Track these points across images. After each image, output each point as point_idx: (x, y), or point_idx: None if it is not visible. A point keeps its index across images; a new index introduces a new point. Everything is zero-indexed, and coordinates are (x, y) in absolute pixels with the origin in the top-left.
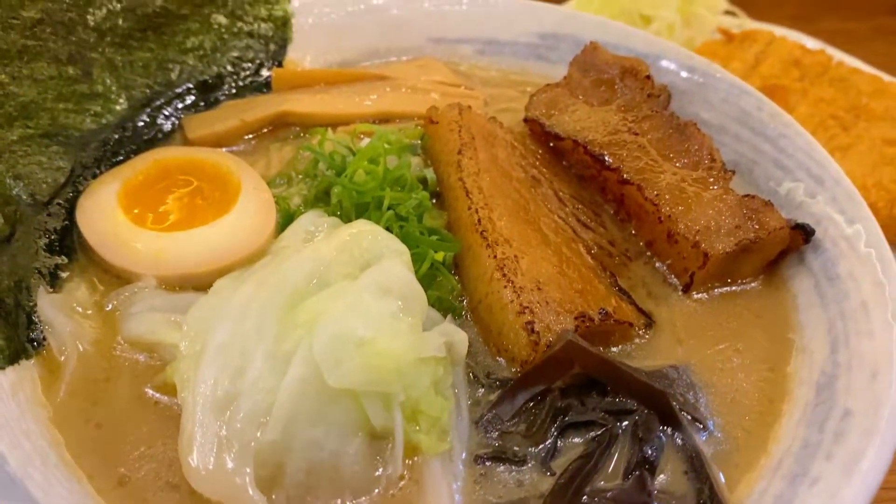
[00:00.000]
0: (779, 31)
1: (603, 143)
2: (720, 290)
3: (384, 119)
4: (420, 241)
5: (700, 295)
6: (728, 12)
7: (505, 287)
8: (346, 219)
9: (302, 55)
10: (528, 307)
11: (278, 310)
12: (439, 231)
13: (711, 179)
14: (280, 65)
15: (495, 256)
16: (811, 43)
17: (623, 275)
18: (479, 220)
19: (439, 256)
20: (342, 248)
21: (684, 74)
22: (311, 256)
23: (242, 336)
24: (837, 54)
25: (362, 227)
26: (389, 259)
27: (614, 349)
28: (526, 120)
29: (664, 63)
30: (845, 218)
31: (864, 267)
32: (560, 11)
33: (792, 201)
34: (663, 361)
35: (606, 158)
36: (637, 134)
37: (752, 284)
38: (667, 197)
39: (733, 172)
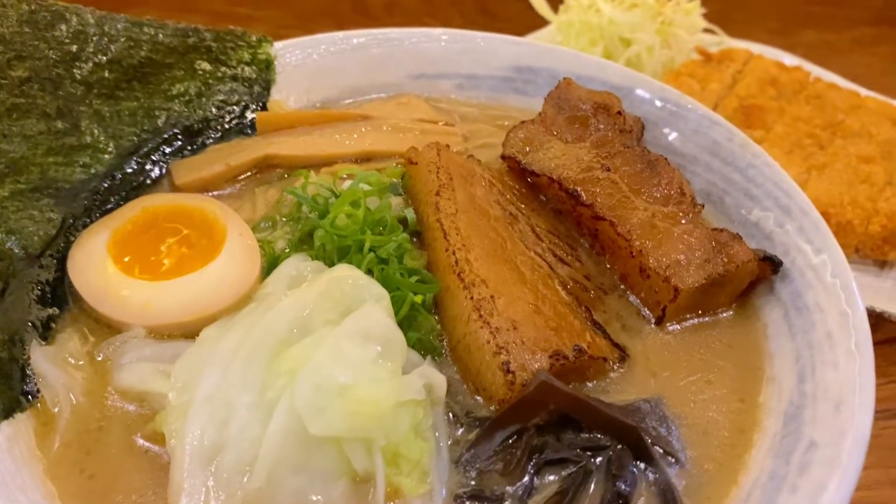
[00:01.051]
0: (757, 48)
1: (577, 179)
2: (693, 321)
3: (366, 158)
4: (400, 283)
5: (673, 327)
6: (707, 30)
7: (481, 328)
8: (329, 262)
9: (286, 96)
10: (503, 347)
11: (263, 359)
12: (420, 272)
13: (681, 214)
14: (264, 106)
15: (472, 297)
16: (789, 59)
17: (598, 308)
18: (456, 262)
19: (418, 298)
20: (323, 294)
21: (658, 105)
22: (293, 304)
23: (228, 386)
24: (815, 70)
25: (343, 272)
26: (369, 304)
27: (590, 384)
28: (503, 157)
29: (638, 94)
30: (812, 248)
31: (829, 297)
32: (536, 45)
33: (762, 230)
34: (637, 395)
35: (581, 195)
36: (609, 170)
37: (725, 314)
38: (638, 232)
39: (702, 206)
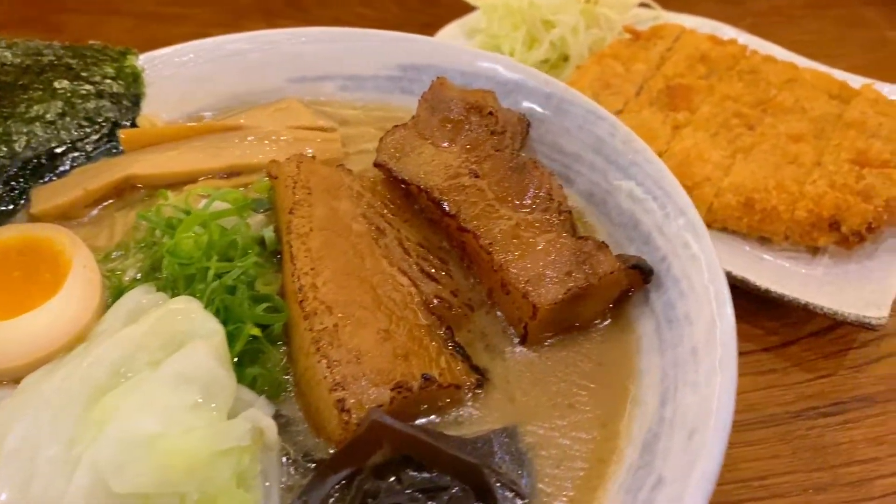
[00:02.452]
0: (697, 21)
1: (443, 187)
2: (562, 337)
3: (235, 173)
4: (243, 314)
5: (539, 345)
6: (643, 4)
7: (319, 361)
8: (175, 293)
9: (158, 110)
10: (340, 383)
11: (76, 408)
12: (272, 298)
13: (547, 222)
14: (134, 123)
15: (311, 329)
16: (731, 31)
17: (464, 327)
18: (299, 288)
19: (255, 331)
20: (150, 332)
21: (544, 102)
22: (116, 344)
23: (35, 440)
24: (755, 41)
25: (178, 305)
26: (195, 343)
27: (444, 414)
28: (376, 164)
29: (526, 89)
30: (688, 252)
31: (700, 307)
32: (421, 42)
33: (642, 233)
34: (492, 424)
35: (445, 204)
36: (478, 176)
37: (597, 329)
38: (501, 244)
39: (569, 212)
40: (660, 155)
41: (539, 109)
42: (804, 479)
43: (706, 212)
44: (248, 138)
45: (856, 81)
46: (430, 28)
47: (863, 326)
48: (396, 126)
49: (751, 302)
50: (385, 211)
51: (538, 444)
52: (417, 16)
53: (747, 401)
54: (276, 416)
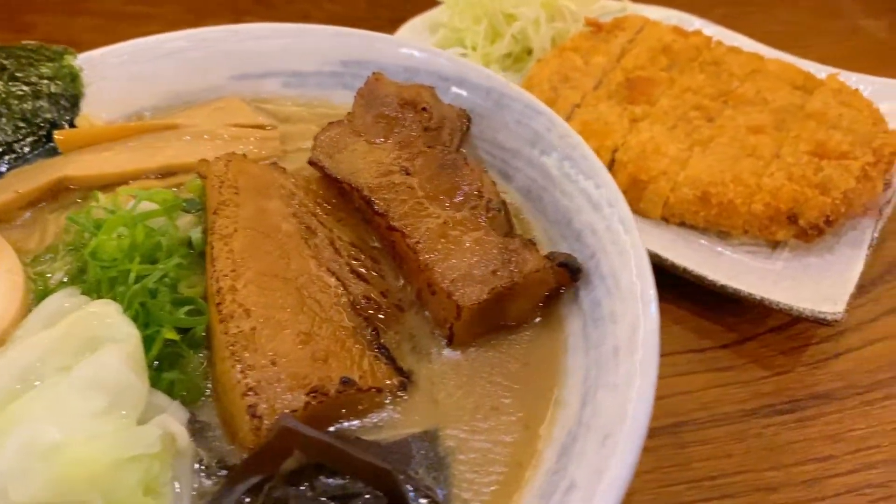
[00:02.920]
0: (663, 12)
1: (373, 185)
2: (491, 337)
3: (169, 173)
4: (163, 317)
5: (467, 346)
6: None
7: (233, 366)
8: (100, 296)
9: (98, 110)
10: (253, 388)
11: None
12: (194, 301)
13: (475, 220)
14: (73, 123)
15: (227, 332)
16: (699, 23)
17: (392, 328)
18: (217, 291)
19: (171, 334)
20: (63, 337)
21: (484, 96)
22: (27, 349)
23: None
24: (723, 33)
25: (96, 308)
26: (106, 348)
27: (364, 418)
28: (310, 162)
29: (468, 84)
30: (617, 249)
31: (624, 305)
32: (363, 37)
33: (574, 230)
34: (413, 428)
35: (375, 203)
36: (409, 174)
37: (527, 328)
38: (427, 243)
39: (498, 209)
40: (615, 149)
41: (480, 104)
42: (757, 478)
43: (662, 206)
44: (185, 137)
45: (824, 72)
46: (398, 23)
47: (818, 322)
48: (331, 123)
49: (710, 297)
50: (318, 210)
51: (458, 447)
52: (385, 11)
53: (702, 399)
54: (193, 422)
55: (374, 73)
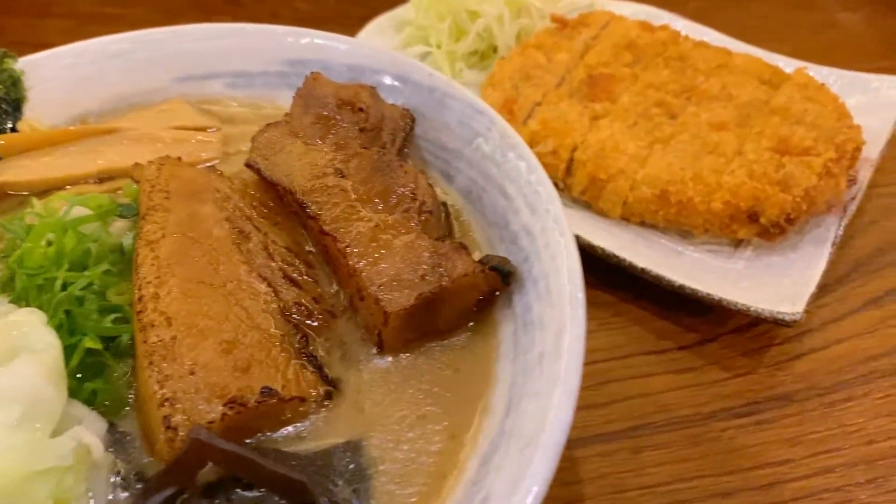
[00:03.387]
0: (631, 8)
1: (307, 188)
2: (424, 343)
3: (108, 177)
4: (87, 326)
5: (397, 353)
6: None
7: (150, 377)
8: (27, 304)
9: (41, 114)
10: (169, 399)
11: None
12: (121, 308)
13: (407, 223)
14: (15, 128)
15: (146, 341)
16: (668, 17)
17: (323, 335)
18: (139, 299)
19: (91, 343)
20: None
21: (427, 96)
22: None
23: None
24: (690, 26)
25: (16, 317)
26: (21, 358)
27: (287, 428)
28: (247, 164)
29: (411, 83)
30: (550, 252)
31: (553, 310)
32: (307, 35)
33: (511, 232)
34: (337, 438)
35: (308, 206)
36: (344, 176)
37: (461, 334)
38: (358, 247)
39: (431, 213)
40: (574, 148)
41: (424, 104)
42: (712, 483)
43: (622, 205)
44: (125, 141)
45: (794, 66)
46: (368, 22)
47: (777, 323)
48: (269, 124)
49: (672, 298)
50: (254, 214)
51: (382, 458)
52: (355, 9)
53: (660, 402)
54: (113, 433)
55: (312, 73)
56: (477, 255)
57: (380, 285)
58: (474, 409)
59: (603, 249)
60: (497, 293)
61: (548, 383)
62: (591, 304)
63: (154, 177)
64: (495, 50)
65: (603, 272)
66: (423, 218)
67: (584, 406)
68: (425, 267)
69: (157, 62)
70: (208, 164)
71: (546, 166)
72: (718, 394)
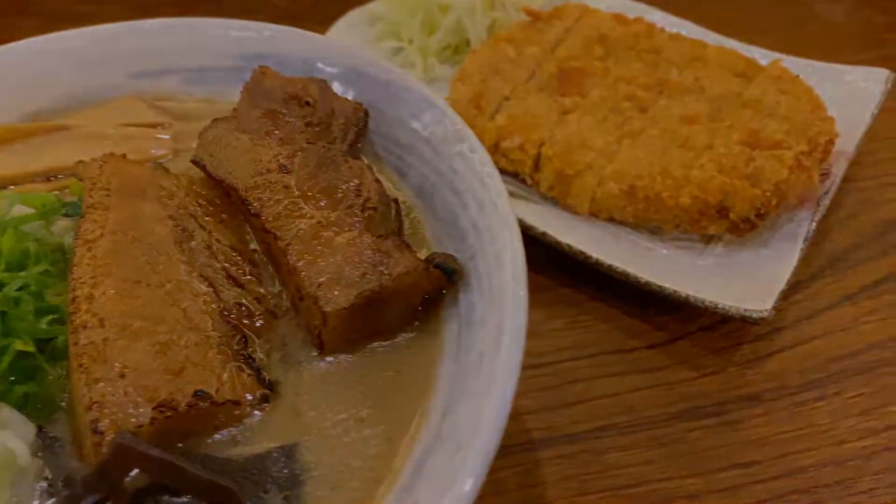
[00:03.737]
0: (608, 0)
1: (249, 185)
2: (367, 344)
3: (55, 175)
4: (21, 328)
5: (339, 354)
6: None
7: (79, 379)
8: None
9: None
10: (97, 402)
11: None
12: (58, 309)
13: (350, 220)
14: None
15: (77, 343)
16: (643, 9)
17: (263, 336)
18: (73, 300)
19: (21, 345)
20: None
21: (382, 90)
22: None
23: None
24: (666, 19)
25: None
26: None
27: (221, 433)
28: (193, 161)
29: (366, 77)
30: (494, 249)
31: (493, 308)
32: (261, 29)
33: (460, 229)
34: (272, 442)
35: (250, 203)
36: (288, 171)
37: (405, 334)
38: (298, 246)
39: (374, 209)
40: (542, 143)
41: (378, 98)
42: (676, 486)
43: (590, 201)
44: (74, 139)
45: (770, 58)
46: None
47: (745, 321)
48: (216, 119)
49: (640, 295)
50: (199, 211)
51: (317, 463)
52: (332, 5)
53: (627, 402)
54: (44, 437)
55: (259, 67)
56: (425, 253)
57: (319, 284)
58: (414, 412)
59: (570, 246)
60: (444, 292)
61: (485, 384)
62: (559, 302)
63: (96, 174)
64: (469, 44)
65: (571, 269)
66: (367, 214)
67: (548, 407)
68: (366, 265)
69: (112, 59)
70: (159, 162)
71: (514, 162)
72: (686, 393)
